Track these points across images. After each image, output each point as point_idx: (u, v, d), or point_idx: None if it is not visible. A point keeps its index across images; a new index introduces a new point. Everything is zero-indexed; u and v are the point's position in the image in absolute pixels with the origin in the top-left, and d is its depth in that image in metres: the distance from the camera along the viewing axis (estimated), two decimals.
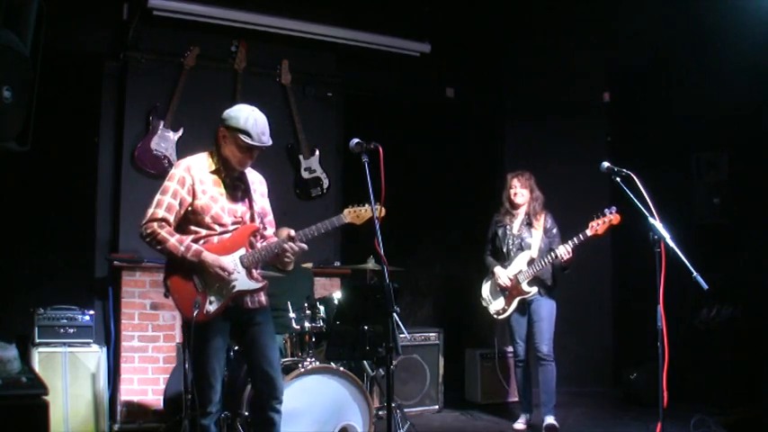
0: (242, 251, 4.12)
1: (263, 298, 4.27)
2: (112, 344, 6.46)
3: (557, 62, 8.26)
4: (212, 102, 7.03)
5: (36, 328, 5.75)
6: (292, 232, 4.14)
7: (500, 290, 6.35)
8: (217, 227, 4.10)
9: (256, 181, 4.37)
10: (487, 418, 6.86)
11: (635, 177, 4.44)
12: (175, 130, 6.81)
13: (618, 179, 4.52)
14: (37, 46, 3.52)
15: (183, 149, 6.80)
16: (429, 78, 8.31)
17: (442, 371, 7.18)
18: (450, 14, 8.07)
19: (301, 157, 7.36)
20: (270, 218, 4.40)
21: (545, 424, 6.22)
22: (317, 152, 7.45)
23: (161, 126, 6.75)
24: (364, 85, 8.01)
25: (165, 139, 6.76)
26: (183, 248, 3.96)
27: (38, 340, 5.73)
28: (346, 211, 4.22)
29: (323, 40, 7.37)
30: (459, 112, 8.52)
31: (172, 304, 6.36)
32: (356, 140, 3.96)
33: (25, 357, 5.37)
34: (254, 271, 4.18)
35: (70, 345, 5.79)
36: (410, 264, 6.80)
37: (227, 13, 6.88)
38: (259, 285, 4.17)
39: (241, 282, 4.09)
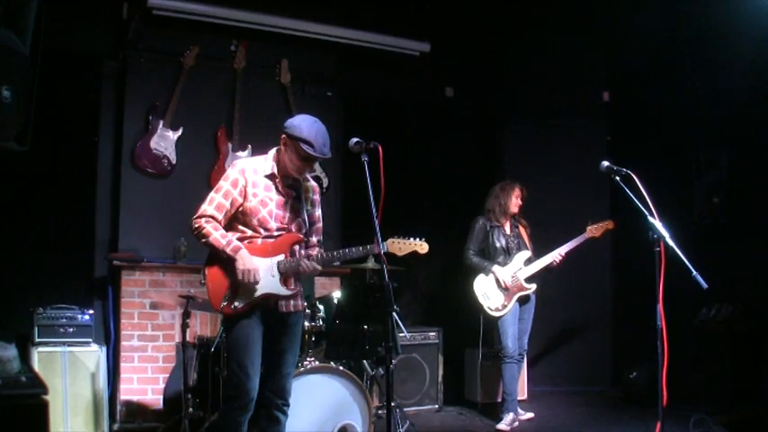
0: (281, 257, 4.18)
1: (299, 302, 4.35)
2: (112, 343, 6.46)
3: (556, 61, 8.26)
4: (212, 101, 7.08)
5: (35, 328, 5.75)
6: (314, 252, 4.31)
7: (499, 287, 6.42)
8: (262, 230, 4.19)
9: (310, 189, 4.44)
10: (486, 416, 6.85)
11: (634, 177, 4.44)
12: (175, 130, 6.81)
13: (617, 178, 4.52)
14: (36, 45, 3.52)
15: (183, 149, 6.83)
16: (428, 78, 8.31)
17: (441, 370, 7.18)
18: (449, 14, 8.06)
19: None
20: (318, 225, 4.46)
21: (525, 417, 6.63)
22: None
23: (160, 125, 6.75)
24: (364, 84, 8.01)
25: (164, 139, 6.76)
26: (224, 243, 4.08)
27: (37, 340, 5.73)
28: (390, 240, 4.27)
29: (322, 40, 7.37)
30: (459, 112, 8.52)
31: (171, 303, 6.46)
32: (355, 140, 3.98)
33: (25, 357, 5.37)
34: (289, 278, 4.24)
35: (70, 344, 5.79)
36: (409, 263, 6.80)
37: (227, 12, 6.89)
38: (290, 293, 4.23)
39: (272, 285, 4.15)
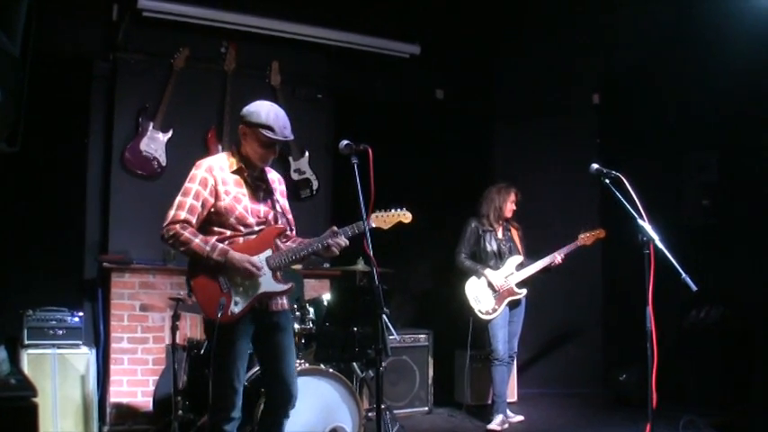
0: (268, 252, 4.06)
1: (285, 301, 4.22)
2: (102, 345, 6.45)
3: (546, 64, 8.28)
4: (202, 103, 7.07)
5: (25, 330, 5.72)
6: (335, 228, 4.10)
7: (491, 291, 6.43)
8: (242, 228, 4.05)
9: (276, 180, 4.33)
10: (476, 418, 6.85)
11: (624, 179, 4.45)
12: (165, 132, 6.80)
13: (607, 181, 4.53)
14: (27, 46, 3.51)
15: (173, 151, 6.81)
16: (419, 80, 8.30)
17: (431, 372, 7.18)
18: (439, 16, 8.07)
19: (291, 158, 7.35)
20: (289, 217, 4.32)
21: (515, 419, 6.63)
22: (307, 153, 7.44)
23: (150, 127, 6.74)
24: (354, 86, 8.00)
25: (154, 141, 6.74)
26: (208, 248, 3.91)
27: (27, 342, 5.70)
28: (374, 215, 4.16)
29: (313, 42, 7.37)
30: (449, 114, 8.51)
31: (161, 305, 6.45)
32: (346, 142, 3.93)
33: (14, 359, 5.34)
34: (278, 273, 4.12)
35: (59, 346, 5.76)
36: (399, 265, 6.80)
37: (217, 14, 6.88)
38: (284, 288, 4.11)
39: (267, 283, 4.03)
